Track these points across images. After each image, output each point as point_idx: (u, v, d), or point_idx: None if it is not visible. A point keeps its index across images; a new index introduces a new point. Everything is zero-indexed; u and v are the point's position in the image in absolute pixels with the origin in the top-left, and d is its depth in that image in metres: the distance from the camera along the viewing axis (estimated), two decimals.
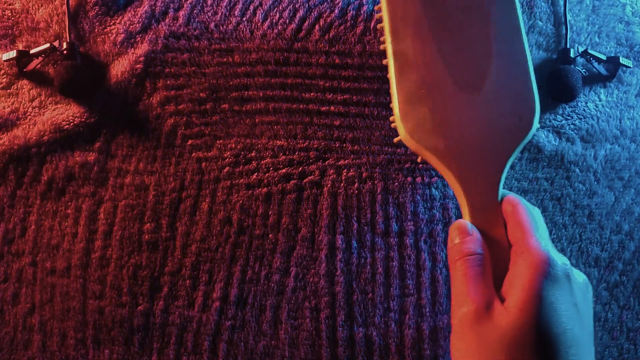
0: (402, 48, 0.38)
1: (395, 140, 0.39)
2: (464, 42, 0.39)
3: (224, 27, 0.59)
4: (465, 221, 0.37)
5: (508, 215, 0.37)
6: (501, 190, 0.37)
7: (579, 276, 0.36)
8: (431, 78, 0.38)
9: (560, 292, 0.33)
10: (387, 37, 0.39)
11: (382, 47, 0.40)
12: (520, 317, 0.32)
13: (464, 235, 0.36)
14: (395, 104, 0.38)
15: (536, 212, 0.37)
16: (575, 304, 0.34)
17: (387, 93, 0.59)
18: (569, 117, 0.61)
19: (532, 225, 0.35)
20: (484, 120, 0.37)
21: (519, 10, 0.40)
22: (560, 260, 0.34)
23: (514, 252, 0.35)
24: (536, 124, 0.38)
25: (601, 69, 0.62)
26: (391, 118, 0.39)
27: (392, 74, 0.38)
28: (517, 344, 0.32)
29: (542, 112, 0.61)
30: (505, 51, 0.39)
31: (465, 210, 0.36)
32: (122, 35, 0.58)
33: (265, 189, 0.57)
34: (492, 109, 0.37)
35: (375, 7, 0.41)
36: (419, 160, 0.39)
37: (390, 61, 0.39)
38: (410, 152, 0.58)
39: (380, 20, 0.42)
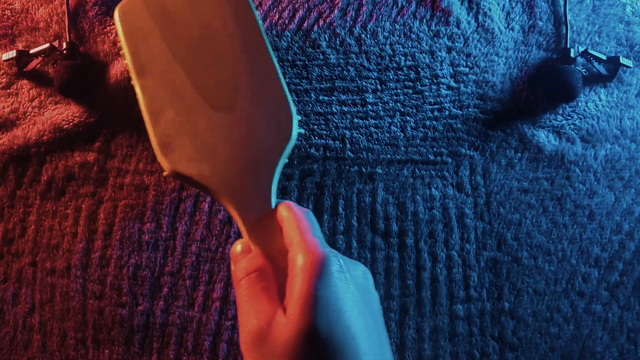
0: (150, 84, 0.38)
1: (164, 174, 0.38)
2: (210, 65, 0.39)
3: None
4: (243, 240, 0.37)
5: (282, 221, 0.36)
6: (274, 201, 0.37)
7: (354, 267, 0.35)
8: (184, 106, 0.38)
9: (338, 289, 0.32)
10: (133, 75, 0.38)
11: (131, 82, 0.40)
12: (300, 323, 0.31)
13: (244, 254, 0.36)
14: (152, 140, 0.37)
15: (308, 213, 0.36)
16: (356, 298, 0.33)
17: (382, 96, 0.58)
18: (569, 117, 0.61)
19: (306, 227, 0.35)
20: (243, 137, 0.38)
21: (260, 23, 0.40)
22: (332, 254, 0.34)
23: (290, 257, 0.34)
24: (295, 132, 0.38)
25: (601, 69, 0.62)
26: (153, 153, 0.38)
27: (144, 112, 0.38)
28: (302, 352, 0.30)
29: (542, 112, 0.61)
30: (253, 66, 0.39)
31: (242, 228, 0.36)
32: None
33: None
34: (250, 124, 0.38)
35: (117, 43, 0.40)
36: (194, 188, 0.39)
37: (140, 98, 0.38)
38: (409, 153, 0.58)
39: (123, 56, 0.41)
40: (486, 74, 0.60)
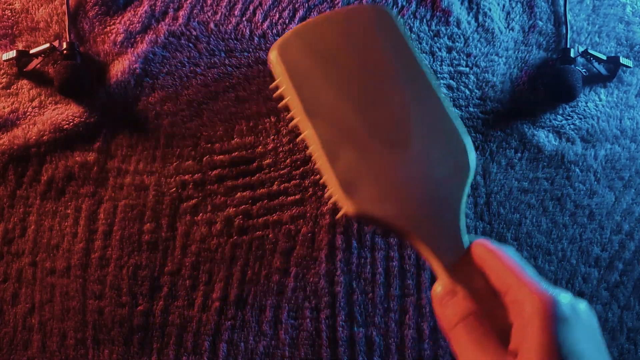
0: (322, 124, 0.36)
1: (338, 216, 0.37)
2: (376, 101, 0.37)
3: (224, 27, 0.58)
4: (443, 281, 0.34)
5: (484, 261, 0.34)
6: (465, 238, 0.35)
7: (582, 305, 0.33)
8: (360, 145, 0.36)
9: (574, 331, 0.30)
10: (302, 116, 0.37)
11: (291, 123, 0.38)
12: None
13: (449, 297, 0.34)
14: (334, 181, 0.36)
15: (512, 251, 0.34)
16: (591, 337, 0.31)
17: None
18: (569, 117, 0.61)
19: (519, 267, 0.32)
20: (423, 173, 0.36)
21: (416, 52, 0.39)
22: (563, 296, 0.32)
23: (511, 301, 0.32)
24: (473, 164, 0.37)
25: (601, 69, 0.62)
26: (327, 194, 0.37)
27: (321, 153, 0.36)
28: None
29: (542, 112, 0.61)
30: (418, 98, 0.38)
31: (440, 270, 0.34)
32: (122, 35, 0.58)
33: (266, 189, 0.57)
34: (426, 159, 0.37)
35: (275, 93, 0.39)
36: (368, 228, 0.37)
37: (314, 139, 0.36)
38: None
39: (285, 106, 0.39)
40: (486, 74, 0.60)
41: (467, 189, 0.36)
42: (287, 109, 0.38)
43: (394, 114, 0.37)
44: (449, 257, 0.34)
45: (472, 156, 0.37)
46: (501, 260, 0.33)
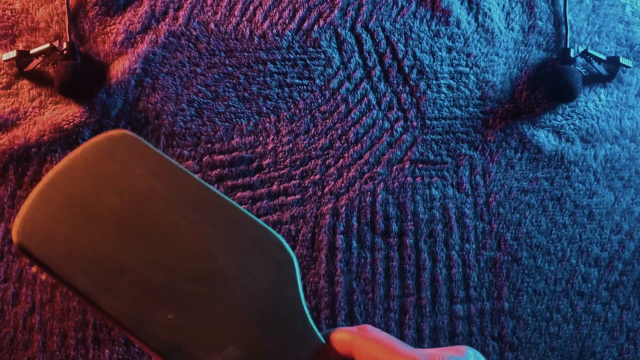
0: (112, 301, 0.30)
1: None
2: (166, 244, 0.31)
3: (224, 27, 0.58)
4: None
5: (348, 347, 0.32)
6: (318, 333, 0.32)
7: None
8: (168, 300, 0.31)
9: None
10: (89, 300, 0.29)
11: (89, 308, 0.33)
12: None
13: None
14: (154, 356, 0.30)
15: (375, 329, 0.32)
16: None
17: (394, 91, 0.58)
18: (569, 117, 0.61)
19: (391, 343, 0.30)
20: (248, 296, 0.32)
21: (186, 171, 0.32)
22: (445, 353, 0.29)
23: None
24: (292, 253, 0.33)
25: (601, 69, 0.62)
26: None
27: (129, 331, 0.29)
28: None
29: (542, 112, 0.61)
30: (209, 217, 0.32)
31: None
32: (122, 35, 0.58)
33: (266, 189, 0.57)
34: (246, 276, 0.32)
35: (40, 275, 0.29)
36: None
37: (114, 320, 0.30)
38: (409, 153, 0.58)
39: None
40: (486, 74, 0.60)
41: (299, 283, 0.32)
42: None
43: (189, 244, 0.31)
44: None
45: (287, 246, 0.33)
46: (371, 342, 0.31)
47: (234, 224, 0.32)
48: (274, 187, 0.57)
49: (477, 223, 0.58)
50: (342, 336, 0.32)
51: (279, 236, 0.32)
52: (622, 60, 0.61)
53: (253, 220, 0.32)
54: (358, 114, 0.58)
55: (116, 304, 0.30)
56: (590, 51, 0.60)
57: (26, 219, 0.29)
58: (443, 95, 0.59)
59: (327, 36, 0.59)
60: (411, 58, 0.59)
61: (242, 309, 0.31)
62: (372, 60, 0.59)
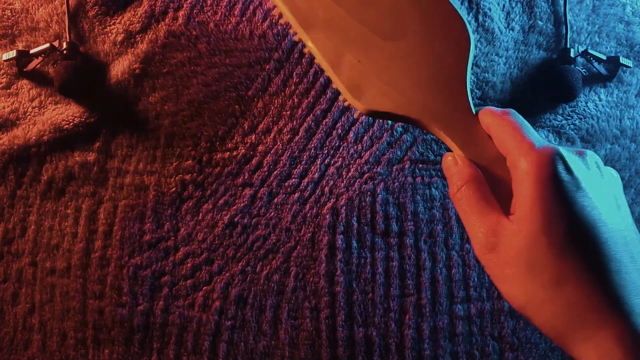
0: (320, 35, 0.38)
1: (355, 115, 0.39)
2: (368, 2, 0.39)
3: (224, 27, 0.58)
4: (452, 153, 0.36)
5: (489, 127, 0.35)
6: (473, 108, 0.37)
7: (584, 157, 0.32)
8: (359, 46, 0.38)
9: (582, 194, 0.29)
10: (299, 30, 0.39)
11: (295, 38, 0.40)
12: (528, 227, 0.29)
13: (454, 164, 0.35)
14: (341, 88, 0.38)
15: (513, 113, 0.34)
16: (607, 203, 0.29)
17: None
18: (569, 117, 0.61)
19: (518, 127, 0.32)
20: (426, 58, 0.38)
21: None
22: (568, 155, 0.30)
23: (509, 163, 0.32)
24: (472, 35, 0.39)
25: (601, 69, 0.62)
26: (341, 98, 0.39)
27: (324, 64, 0.38)
28: (537, 255, 0.28)
29: (542, 112, 0.61)
30: None
31: (452, 145, 0.36)
32: (122, 35, 0.58)
33: (266, 189, 0.57)
34: (427, 43, 0.38)
35: (273, 11, 0.39)
36: (386, 124, 0.38)
37: (315, 52, 0.38)
38: (409, 152, 0.58)
39: (287, 23, 0.41)
40: (486, 74, 0.60)
41: (471, 62, 0.38)
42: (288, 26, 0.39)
43: (387, 7, 0.38)
44: (460, 131, 0.36)
45: (470, 29, 0.38)
46: (501, 123, 0.33)
47: (430, 1, 0.38)
48: (274, 186, 0.57)
49: None
50: (484, 114, 0.35)
51: (466, 20, 0.38)
52: (622, 60, 0.61)
53: (447, 2, 0.38)
54: None
55: (321, 37, 0.38)
56: (590, 51, 0.60)
57: None
58: None
59: None
60: None
61: (417, 72, 0.37)
62: None
